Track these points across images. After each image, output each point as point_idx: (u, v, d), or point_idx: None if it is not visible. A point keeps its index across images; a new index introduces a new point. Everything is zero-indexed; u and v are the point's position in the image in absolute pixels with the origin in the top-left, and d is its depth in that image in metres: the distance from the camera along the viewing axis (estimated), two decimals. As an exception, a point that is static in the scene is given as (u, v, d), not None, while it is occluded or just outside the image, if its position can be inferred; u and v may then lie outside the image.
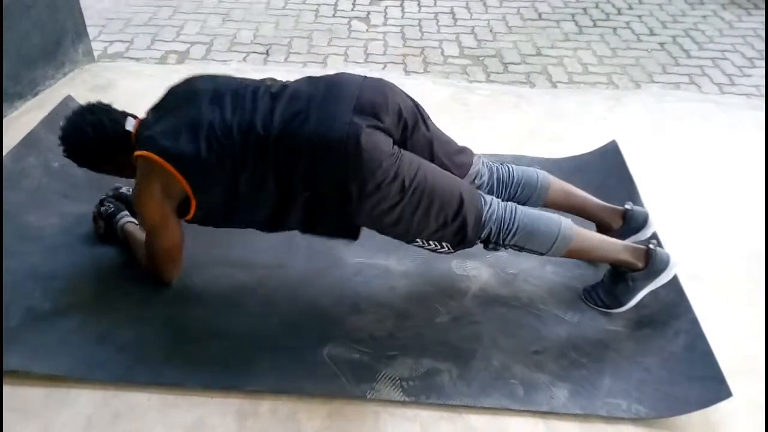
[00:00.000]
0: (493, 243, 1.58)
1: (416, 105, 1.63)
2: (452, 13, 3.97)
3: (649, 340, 1.58)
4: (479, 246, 1.87)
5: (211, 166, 1.45)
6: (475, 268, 1.81)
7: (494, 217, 1.55)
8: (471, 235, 1.54)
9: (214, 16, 3.82)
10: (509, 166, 1.77)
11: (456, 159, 1.69)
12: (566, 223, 1.58)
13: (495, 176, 1.74)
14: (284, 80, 1.60)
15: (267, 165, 1.45)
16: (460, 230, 1.53)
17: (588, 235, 1.62)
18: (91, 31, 3.27)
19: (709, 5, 4.15)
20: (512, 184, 1.74)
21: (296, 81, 1.57)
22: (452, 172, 1.62)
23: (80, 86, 2.76)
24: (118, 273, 1.73)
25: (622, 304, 1.62)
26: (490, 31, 3.73)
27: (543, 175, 1.76)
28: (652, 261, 1.58)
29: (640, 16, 3.98)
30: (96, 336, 1.54)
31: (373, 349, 1.53)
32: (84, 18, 2.97)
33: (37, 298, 1.63)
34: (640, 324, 1.63)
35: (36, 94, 2.68)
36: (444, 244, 1.57)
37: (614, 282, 1.63)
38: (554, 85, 3.13)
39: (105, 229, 1.81)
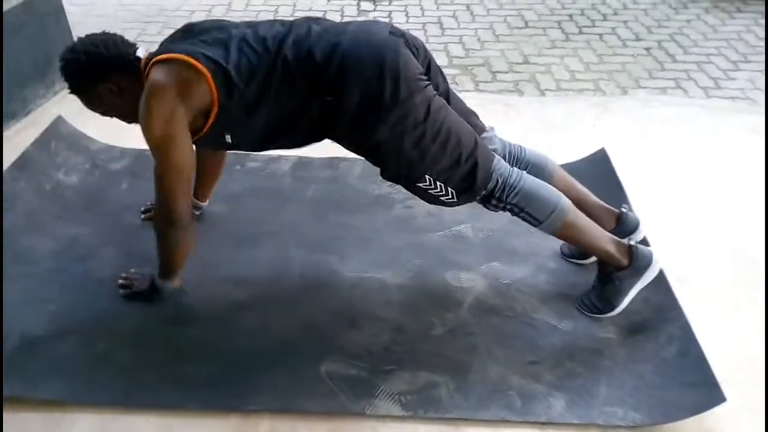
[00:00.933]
0: (495, 198, 1.58)
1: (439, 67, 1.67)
2: (440, 23, 4.00)
3: (642, 347, 1.60)
4: (472, 257, 1.90)
5: (240, 67, 1.44)
6: (470, 279, 1.83)
7: (501, 171, 1.57)
8: (479, 181, 1.55)
9: (203, 31, 3.83)
10: (522, 146, 1.81)
11: (470, 118, 1.71)
12: (566, 199, 1.61)
13: (507, 149, 1.78)
14: None
15: (299, 70, 1.45)
16: (470, 173, 1.54)
17: (583, 216, 1.65)
18: (80, 49, 3.28)
19: (693, 9, 4.20)
20: (522, 160, 1.77)
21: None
22: None
23: (71, 104, 2.71)
24: (113, 295, 1.73)
25: (614, 306, 1.64)
26: (478, 40, 3.76)
27: (552, 162, 1.81)
28: (635, 257, 1.61)
29: (625, 22, 4.02)
30: (93, 359, 1.54)
31: (370, 364, 1.54)
32: (73, 36, 2.98)
33: (33, 323, 1.63)
34: (632, 330, 1.64)
35: (28, 113, 2.68)
36: (450, 189, 1.56)
37: (602, 284, 1.66)
38: (542, 92, 3.16)
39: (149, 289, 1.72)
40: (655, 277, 1.66)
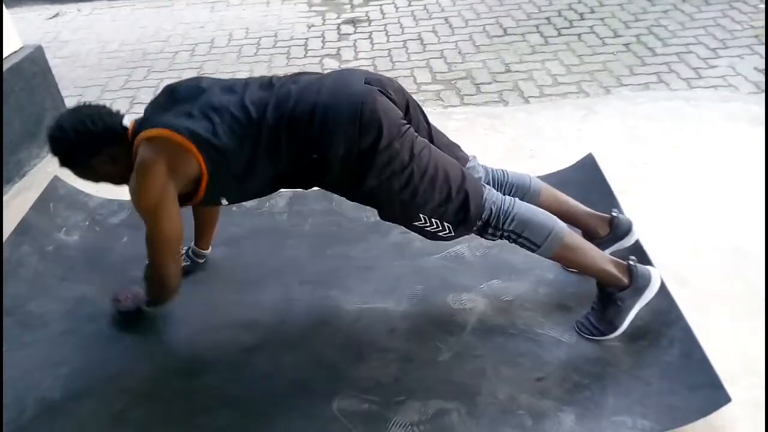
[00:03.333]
0: (492, 227, 1.61)
1: (418, 104, 1.74)
2: (420, 39, 4.05)
3: (645, 352, 1.62)
4: (472, 277, 1.93)
5: (225, 138, 1.50)
6: (471, 299, 1.86)
7: (493, 199, 1.61)
8: (473, 212, 1.58)
9: (188, 72, 3.88)
10: (503, 170, 1.85)
11: (452, 151, 1.76)
12: (561, 222, 1.64)
13: (490, 176, 1.82)
14: None
15: (283, 132, 1.51)
16: (462, 206, 1.57)
17: (579, 239, 1.68)
18: (69, 103, 3.32)
19: (668, -1, 4.26)
20: (506, 184, 1.81)
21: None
22: None
23: (65, 162, 2.80)
24: (124, 351, 1.77)
25: (616, 328, 1.65)
26: (459, 52, 3.81)
27: (535, 180, 1.84)
28: (635, 277, 1.62)
29: (602, 19, 4.06)
30: (111, 420, 1.57)
31: (381, 397, 1.57)
32: (61, 93, 3.03)
33: (48, 388, 1.66)
34: (634, 336, 1.67)
35: (23, 176, 2.73)
36: (446, 224, 1.60)
37: (604, 305, 1.67)
38: (527, 100, 3.20)
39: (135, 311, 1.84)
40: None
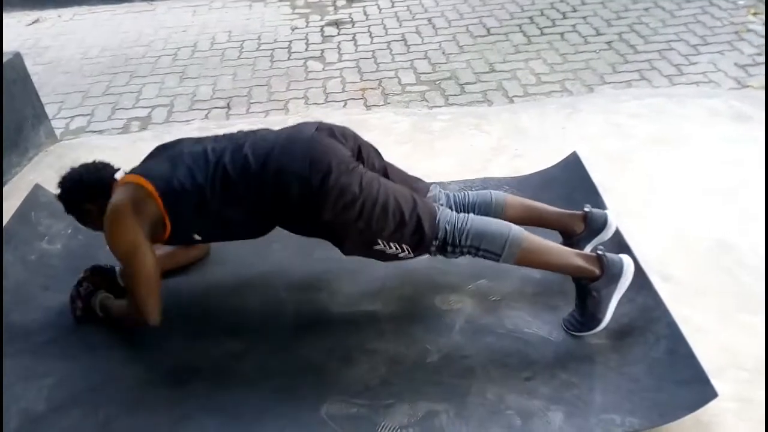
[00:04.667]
0: (450, 245, 1.66)
1: (372, 145, 1.83)
2: (404, 39, 4.05)
3: (632, 349, 1.63)
4: (459, 277, 1.93)
5: (184, 182, 1.63)
6: (459, 300, 1.85)
7: (447, 218, 1.66)
8: (428, 233, 1.63)
9: (171, 76, 3.86)
10: (465, 192, 1.90)
11: (411, 183, 1.83)
12: (517, 227, 1.67)
13: (451, 200, 1.87)
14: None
15: (240, 177, 1.62)
16: (417, 229, 1.63)
17: (539, 239, 1.69)
18: (51, 109, 3.30)
19: (649, -4, 4.29)
20: (468, 204, 1.86)
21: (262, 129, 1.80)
22: None
23: (46, 170, 2.77)
24: (108, 359, 1.75)
25: (599, 320, 1.66)
26: (443, 53, 3.81)
27: (497, 193, 1.88)
28: (606, 266, 1.63)
29: (584, 18, 4.09)
30: (96, 429, 1.54)
31: (369, 400, 1.56)
32: (41, 100, 2.99)
33: (32, 399, 1.63)
34: (621, 333, 1.68)
35: (4, 184, 2.69)
36: (404, 246, 1.65)
37: (582, 300, 1.68)
38: (511, 100, 3.21)
39: (83, 310, 1.85)
40: (638, 277, 1.69)
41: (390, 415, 1.51)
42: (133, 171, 1.73)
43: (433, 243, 1.65)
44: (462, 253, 1.67)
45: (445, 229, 1.64)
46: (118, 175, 1.77)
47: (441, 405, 1.53)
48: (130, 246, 1.63)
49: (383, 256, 1.68)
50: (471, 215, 1.68)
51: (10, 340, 1.81)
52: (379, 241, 1.64)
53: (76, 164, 1.84)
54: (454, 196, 1.87)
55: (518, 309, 1.81)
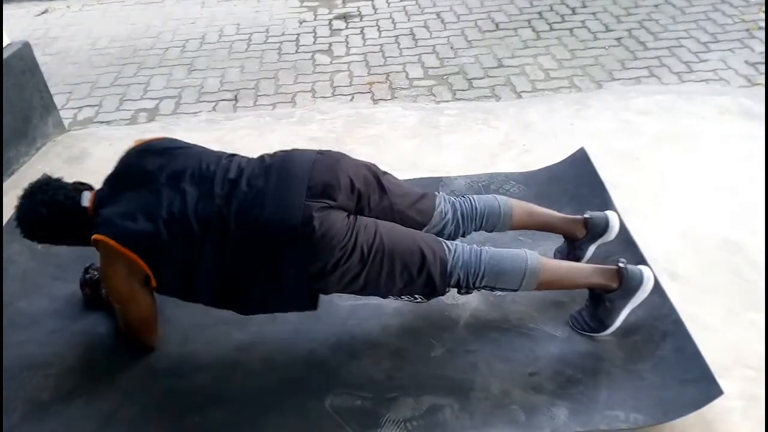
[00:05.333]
0: (464, 288, 1.64)
1: (370, 169, 1.69)
2: (412, 34, 4.04)
3: (638, 347, 1.62)
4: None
5: (170, 249, 1.51)
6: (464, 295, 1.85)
7: (460, 264, 1.60)
8: (440, 286, 1.60)
9: (179, 68, 3.86)
10: (471, 198, 1.81)
11: (417, 207, 1.73)
12: (532, 256, 1.62)
13: (459, 212, 1.78)
14: (237, 156, 1.67)
15: (226, 248, 1.51)
16: (427, 283, 1.59)
17: (556, 265, 1.67)
18: (59, 100, 3.31)
19: (660, -7, 4.25)
20: (477, 216, 1.79)
21: (250, 163, 1.62)
22: (416, 220, 1.69)
23: (54, 159, 2.78)
24: (114, 350, 1.75)
25: (606, 327, 1.64)
26: (451, 48, 3.80)
27: (504, 201, 1.81)
28: (624, 280, 1.61)
29: (594, 14, 4.07)
30: (102, 419, 1.55)
31: (374, 393, 1.56)
32: (50, 90, 3.00)
33: (38, 388, 1.64)
34: (627, 331, 1.67)
35: (11, 174, 2.70)
36: (416, 296, 1.65)
37: (595, 306, 1.66)
38: (519, 95, 3.20)
39: (92, 296, 1.86)
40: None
41: (394, 409, 1.51)
42: (107, 223, 1.53)
43: (447, 290, 1.64)
44: (478, 291, 1.67)
45: (459, 275, 1.60)
46: (85, 200, 1.63)
47: (445, 399, 1.53)
48: (127, 294, 1.59)
49: (401, 300, 1.70)
50: (483, 252, 1.61)
51: (17, 329, 1.82)
52: (392, 297, 1.65)
53: (34, 194, 1.65)
54: (461, 206, 1.78)
55: (524, 305, 1.80)
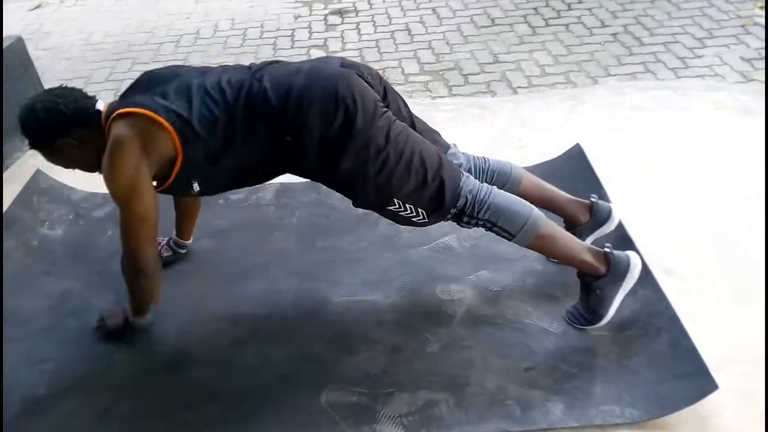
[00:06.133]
0: (467, 216, 1.61)
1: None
2: (408, 29, 4.02)
3: (633, 342, 1.63)
4: (460, 268, 1.93)
5: (202, 118, 1.48)
6: (460, 290, 1.85)
7: (470, 188, 1.60)
8: (448, 200, 1.58)
9: (172, 63, 3.81)
10: (484, 157, 1.85)
11: (434, 138, 1.75)
12: (538, 211, 1.64)
13: (471, 163, 1.82)
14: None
15: (260, 112, 1.50)
16: (437, 193, 1.57)
17: (556, 227, 1.67)
18: (53, 96, 3.28)
19: (656, -12, 4.25)
20: (487, 171, 1.81)
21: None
22: None
23: (48, 155, 2.76)
24: (109, 346, 1.74)
25: (601, 317, 1.65)
26: (447, 43, 3.79)
27: (516, 167, 1.85)
28: (612, 264, 1.62)
29: (590, 9, 4.06)
30: (97, 414, 1.55)
31: (369, 389, 1.56)
32: (43, 85, 2.98)
33: (33, 384, 1.64)
34: (622, 326, 1.67)
35: (5, 169, 2.68)
36: (420, 210, 1.59)
37: (587, 296, 1.67)
38: (515, 91, 3.19)
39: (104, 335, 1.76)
40: (641, 271, 1.68)
41: (390, 404, 1.52)
42: (132, 102, 1.51)
43: (451, 211, 1.60)
44: (476, 225, 1.63)
45: (466, 198, 1.58)
46: (100, 105, 1.57)
47: (441, 394, 1.53)
48: (132, 184, 1.47)
49: (397, 218, 1.62)
50: (494, 188, 1.62)
51: (11, 326, 1.81)
52: (395, 201, 1.57)
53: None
54: (474, 158, 1.81)
55: (519, 300, 1.81)
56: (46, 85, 3.03)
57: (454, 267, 1.94)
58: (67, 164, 1.65)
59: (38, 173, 2.37)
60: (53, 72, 3.77)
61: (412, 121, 1.71)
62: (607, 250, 1.64)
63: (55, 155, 1.61)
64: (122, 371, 1.67)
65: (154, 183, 1.56)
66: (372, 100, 1.52)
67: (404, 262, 1.97)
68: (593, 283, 1.64)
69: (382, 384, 1.57)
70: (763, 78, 3.07)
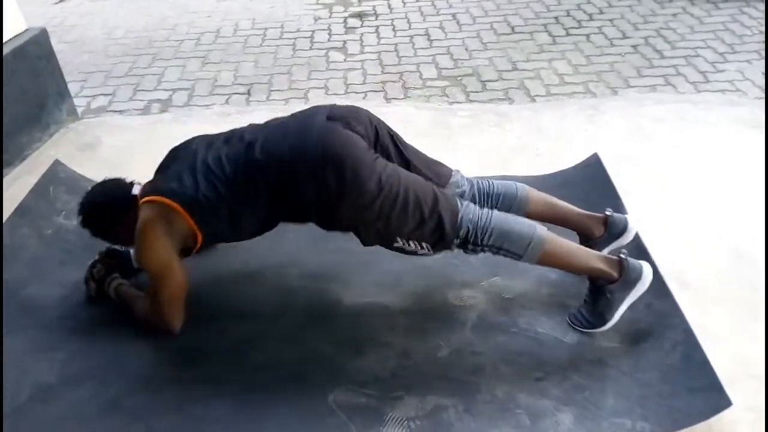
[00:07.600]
0: (471, 243, 1.63)
1: (389, 128, 1.78)
2: (427, 34, 4.03)
3: (646, 354, 1.61)
4: (473, 274, 1.92)
5: (209, 195, 1.61)
6: (472, 296, 1.84)
7: (470, 216, 1.62)
8: (449, 233, 1.61)
9: (193, 60, 3.87)
10: (489, 179, 1.85)
11: (433, 168, 1.79)
12: (541, 227, 1.65)
13: (475, 187, 1.82)
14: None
15: (257, 182, 1.60)
16: (437, 228, 1.60)
17: (562, 241, 1.67)
18: (73, 87, 3.32)
19: (678, 2, 4.23)
20: (492, 194, 1.81)
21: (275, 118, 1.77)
22: (432, 181, 1.71)
23: (67, 146, 2.79)
24: (121, 336, 1.75)
25: (605, 321, 1.64)
26: (466, 49, 3.79)
27: (522, 187, 1.84)
28: (625, 270, 1.61)
29: (611, 20, 4.04)
30: (106, 405, 1.55)
31: (378, 391, 1.55)
32: (65, 77, 3.01)
33: (44, 372, 1.65)
34: (636, 338, 1.66)
35: (24, 159, 2.71)
36: (423, 244, 1.63)
37: (595, 298, 1.66)
38: (533, 99, 3.18)
39: (96, 291, 1.85)
40: (655, 283, 1.67)
41: (398, 407, 1.51)
42: (154, 188, 1.68)
43: (454, 241, 1.63)
44: (483, 251, 1.65)
45: (468, 227, 1.61)
46: (135, 190, 1.75)
47: (450, 400, 1.52)
48: (162, 264, 1.64)
49: (403, 252, 1.67)
50: (494, 212, 1.64)
51: (24, 314, 1.82)
52: (399, 239, 1.63)
53: (88, 186, 1.84)
54: (478, 183, 1.82)
55: (532, 308, 1.79)
56: (68, 78, 3.08)
57: (467, 272, 1.93)
58: (114, 242, 1.87)
59: (56, 163, 2.39)
60: (75, 65, 3.81)
61: (407, 158, 1.74)
62: (622, 256, 1.64)
63: (106, 238, 1.84)
64: (132, 363, 1.68)
65: (186, 252, 1.72)
66: (360, 150, 1.58)
67: (417, 266, 1.96)
68: (605, 287, 1.63)
69: (391, 387, 1.57)
70: (785, 95, 3.04)
